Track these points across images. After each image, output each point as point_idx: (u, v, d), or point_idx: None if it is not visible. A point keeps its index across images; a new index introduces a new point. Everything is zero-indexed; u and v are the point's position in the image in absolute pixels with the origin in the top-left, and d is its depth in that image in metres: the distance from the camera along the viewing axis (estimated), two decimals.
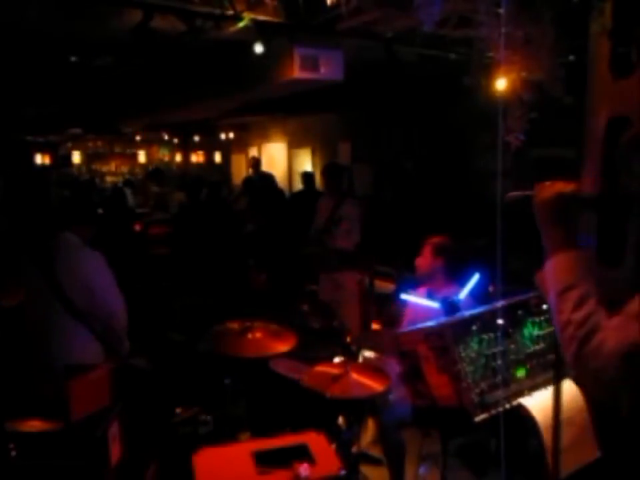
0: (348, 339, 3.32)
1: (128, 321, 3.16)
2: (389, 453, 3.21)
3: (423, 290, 3.47)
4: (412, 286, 3.66)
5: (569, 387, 2.37)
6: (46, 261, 2.94)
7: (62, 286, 2.91)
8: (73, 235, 3.05)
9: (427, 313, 3.10)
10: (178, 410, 2.99)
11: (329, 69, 5.19)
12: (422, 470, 3.24)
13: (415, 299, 3.54)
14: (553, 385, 1.79)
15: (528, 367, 2.57)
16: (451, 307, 2.94)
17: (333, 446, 2.50)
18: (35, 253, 3.01)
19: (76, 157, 13.85)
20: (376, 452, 3.52)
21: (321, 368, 2.87)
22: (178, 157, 15.25)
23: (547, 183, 1.48)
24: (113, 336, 3.10)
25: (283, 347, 2.93)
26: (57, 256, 2.96)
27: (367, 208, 6.14)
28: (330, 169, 5.82)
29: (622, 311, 1.27)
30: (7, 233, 4.84)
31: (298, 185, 9.37)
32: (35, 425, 2.38)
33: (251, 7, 4.31)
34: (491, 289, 3.35)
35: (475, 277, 3.32)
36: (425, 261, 3.49)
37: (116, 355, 3.10)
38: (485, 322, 2.49)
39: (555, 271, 1.41)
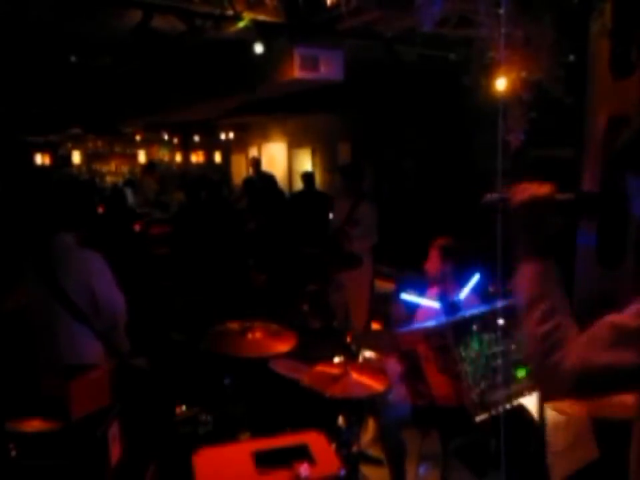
0: (348, 339, 3.31)
1: (128, 320, 3.16)
2: (390, 452, 3.21)
3: (433, 291, 3.45)
4: (415, 286, 3.65)
5: None
6: (45, 264, 2.93)
7: (63, 288, 2.90)
8: (69, 235, 3.04)
9: (437, 314, 3.10)
10: (178, 410, 2.99)
11: (329, 68, 5.19)
12: (422, 470, 3.23)
13: (415, 299, 3.53)
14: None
15: (528, 367, 2.56)
16: (451, 306, 2.93)
17: (333, 446, 2.50)
18: (33, 255, 2.99)
19: (76, 157, 13.82)
20: (376, 452, 3.51)
21: (320, 368, 2.87)
22: (178, 157, 15.23)
23: (523, 185, 1.41)
24: (115, 335, 3.10)
25: (283, 346, 2.93)
26: (56, 258, 2.95)
27: None
28: (349, 170, 5.78)
29: (588, 329, 1.24)
30: (4, 234, 4.82)
31: (298, 185, 9.37)
32: (35, 425, 2.38)
33: (251, 7, 4.32)
34: (491, 288, 3.35)
35: (475, 277, 3.31)
36: (434, 264, 3.45)
37: (116, 354, 3.11)
38: (485, 322, 2.49)
39: (524, 280, 1.37)
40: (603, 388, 1.24)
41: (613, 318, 1.21)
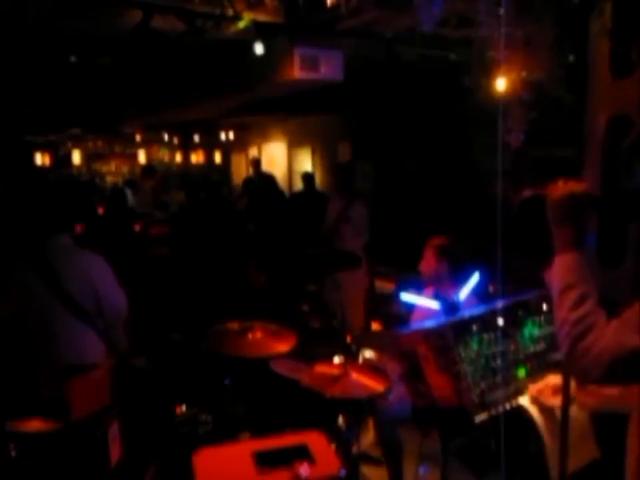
0: (348, 339, 3.31)
1: (128, 320, 3.16)
2: (386, 450, 3.21)
3: (429, 291, 3.45)
4: (415, 286, 3.64)
5: None
6: (45, 266, 2.93)
7: (66, 290, 2.90)
8: (67, 236, 3.03)
9: (436, 314, 3.09)
10: (178, 410, 2.99)
11: (329, 68, 5.19)
12: (422, 470, 3.23)
13: (415, 299, 3.53)
14: (562, 387, 1.81)
15: (528, 366, 2.57)
16: (451, 307, 2.93)
17: (333, 446, 2.50)
18: (32, 257, 2.98)
19: (76, 157, 13.80)
20: (376, 452, 3.52)
21: (321, 368, 2.87)
22: (178, 157, 15.22)
23: (560, 183, 1.51)
24: (117, 333, 3.10)
25: (283, 347, 2.93)
26: (56, 260, 2.94)
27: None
28: (341, 170, 5.86)
29: (620, 316, 1.31)
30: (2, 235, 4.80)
31: (298, 185, 9.38)
32: (35, 425, 2.38)
33: (251, 7, 4.32)
34: (491, 288, 3.35)
35: (475, 277, 3.31)
36: (428, 264, 3.44)
37: (115, 351, 3.11)
38: (485, 322, 2.49)
39: (559, 269, 1.45)
40: (636, 372, 1.29)
41: None
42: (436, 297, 3.23)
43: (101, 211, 6.84)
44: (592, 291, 1.40)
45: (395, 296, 4.45)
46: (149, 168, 10.96)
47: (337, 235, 5.35)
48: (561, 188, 1.50)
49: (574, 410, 2.43)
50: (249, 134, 13.18)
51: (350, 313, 5.18)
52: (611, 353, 1.27)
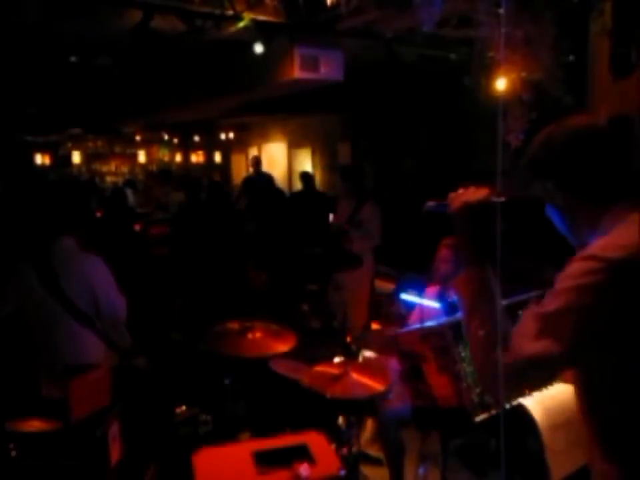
0: (348, 339, 3.31)
1: (128, 320, 3.16)
2: (388, 452, 3.21)
3: (432, 290, 3.44)
4: (415, 286, 3.63)
5: (565, 388, 2.37)
6: (46, 267, 2.93)
7: (65, 291, 2.90)
8: (70, 238, 3.03)
9: (436, 314, 3.09)
10: (178, 410, 2.99)
11: (329, 68, 5.19)
12: (422, 470, 3.23)
13: (415, 299, 3.53)
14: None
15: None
16: (451, 307, 2.93)
17: (333, 446, 2.50)
18: (33, 258, 2.98)
19: (76, 157, 13.83)
20: (375, 452, 3.52)
21: (320, 368, 2.87)
22: (178, 157, 15.25)
23: (459, 191, 1.39)
24: (117, 333, 3.11)
25: (283, 347, 2.93)
26: (57, 262, 2.94)
27: None
28: (349, 171, 5.82)
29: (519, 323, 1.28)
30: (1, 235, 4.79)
31: (298, 185, 9.39)
32: (35, 425, 2.38)
33: (251, 7, 4.32)
34: None
35: None
36: (449, 265, 3.41)
37: (118, 350, 3.12)
38: None
39: (465, 285, 1.37)
40: (540, 378, 1.30)
41: (535, 308, 1.25)
42: (441, 296, 3.22)
43: (100, 211, 6.84)
44: (495, 308, 1.31)
45: (395, 296, 4.45)
46: (166, 173, 10.71)
47: (345, 236, 5.32)
48: (458, 197, 1.37)
49: (573, 410, 2.43)
50: (249, 134, 13.18)
51: (352, 313, 5.18)
52: (513, 363, 1.20)
